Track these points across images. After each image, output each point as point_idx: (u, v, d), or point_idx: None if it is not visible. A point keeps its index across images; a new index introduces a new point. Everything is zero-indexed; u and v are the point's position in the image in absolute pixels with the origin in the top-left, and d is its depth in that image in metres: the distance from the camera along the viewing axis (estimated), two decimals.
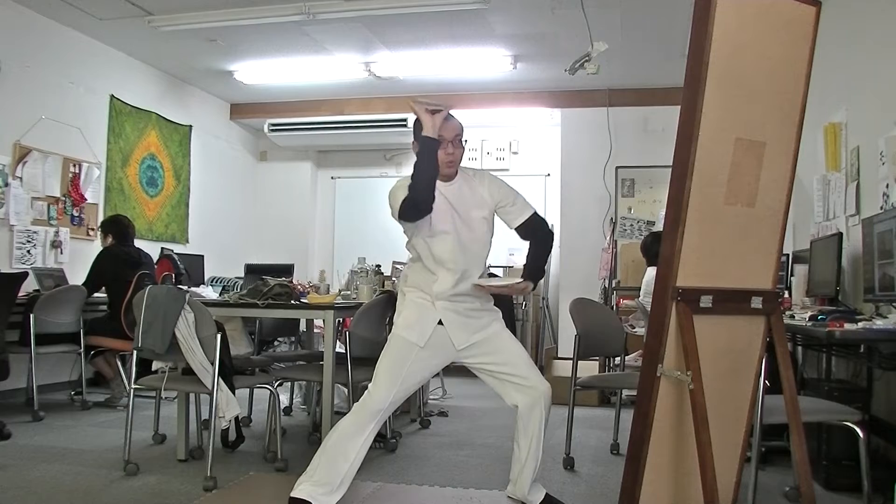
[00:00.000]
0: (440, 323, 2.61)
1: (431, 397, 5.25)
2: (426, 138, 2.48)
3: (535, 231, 2.72)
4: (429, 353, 2.62)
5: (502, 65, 6.25)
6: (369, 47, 5.99)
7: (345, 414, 2.61)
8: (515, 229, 2.71)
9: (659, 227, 6.14)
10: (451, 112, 2.56)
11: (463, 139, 2.63)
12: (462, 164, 2.67)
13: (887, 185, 3.36)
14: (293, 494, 2.53)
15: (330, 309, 3.39)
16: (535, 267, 2.71)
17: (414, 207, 2.47)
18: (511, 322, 6.53)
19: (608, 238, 6.69)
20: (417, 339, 2.59)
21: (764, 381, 2.37)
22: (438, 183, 2.55)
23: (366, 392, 2.59)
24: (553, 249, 7.62)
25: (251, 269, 5.50)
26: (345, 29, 5.53)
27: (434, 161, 2.48)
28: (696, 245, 2.14)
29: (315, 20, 5.19)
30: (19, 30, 5.21)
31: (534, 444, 2.65)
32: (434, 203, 2.50)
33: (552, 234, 2.78)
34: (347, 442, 2.53)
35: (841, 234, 3.59)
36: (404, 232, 2.67)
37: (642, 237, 6.15)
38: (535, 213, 2.71)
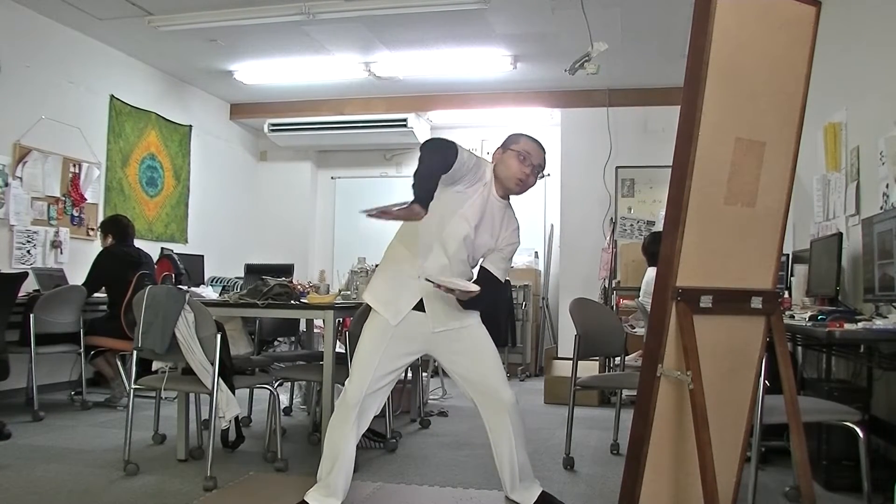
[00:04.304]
0: (420, 308, 2.54)
1: (431, 397, 5.24)
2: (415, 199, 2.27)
3: (488, 279, 2.60)
4: (402, 336, 2.55)
5: (502, 65, 6.25)
6: (369, 47, 5.99)
7: None
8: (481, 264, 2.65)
9: (659, 227, 6.14)
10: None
11: (543, 174, 2.63)
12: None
13: (887, 185, 3.36)
14: (306, 498, 2.58)
15: (330, 309, 3.39)
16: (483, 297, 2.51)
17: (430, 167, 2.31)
18: (511, 322, 6.57)
19: (608, 238, 6.69)
20: (392, 316, 2.54)
21: (764, 381, 2.36)
22: (494, 195, 2.54)
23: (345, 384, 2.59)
24: (553, 249, 7.63)
25: (251, 269, 5.49)
26: (345, 29, 5.53)
27: (426, 185, 2.29)
28: (696, 245, 2.13)
29: (315, 20, 5.20)
30: (19, 30, 5.21)
31: (506, 446, 2.63)
32: (475, 197, 2.49)
33: (498, 291, 2.71)
34: (333, 432, 2.57)
35: (841, 234, 3.59)
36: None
37: (642, 237, 6.15)
38: (503, 277, 2.65)
